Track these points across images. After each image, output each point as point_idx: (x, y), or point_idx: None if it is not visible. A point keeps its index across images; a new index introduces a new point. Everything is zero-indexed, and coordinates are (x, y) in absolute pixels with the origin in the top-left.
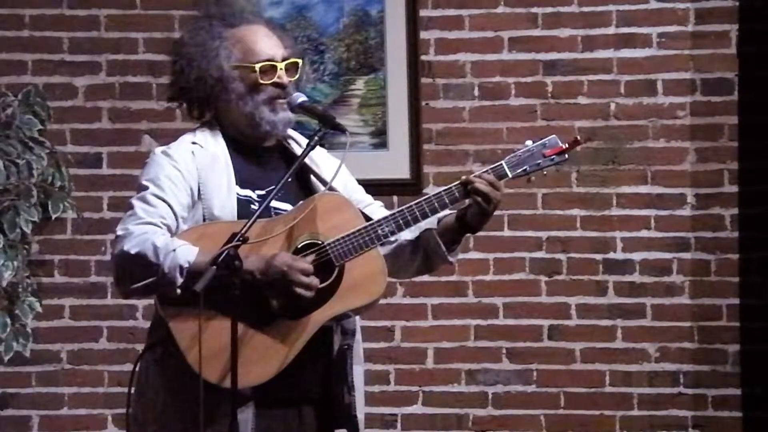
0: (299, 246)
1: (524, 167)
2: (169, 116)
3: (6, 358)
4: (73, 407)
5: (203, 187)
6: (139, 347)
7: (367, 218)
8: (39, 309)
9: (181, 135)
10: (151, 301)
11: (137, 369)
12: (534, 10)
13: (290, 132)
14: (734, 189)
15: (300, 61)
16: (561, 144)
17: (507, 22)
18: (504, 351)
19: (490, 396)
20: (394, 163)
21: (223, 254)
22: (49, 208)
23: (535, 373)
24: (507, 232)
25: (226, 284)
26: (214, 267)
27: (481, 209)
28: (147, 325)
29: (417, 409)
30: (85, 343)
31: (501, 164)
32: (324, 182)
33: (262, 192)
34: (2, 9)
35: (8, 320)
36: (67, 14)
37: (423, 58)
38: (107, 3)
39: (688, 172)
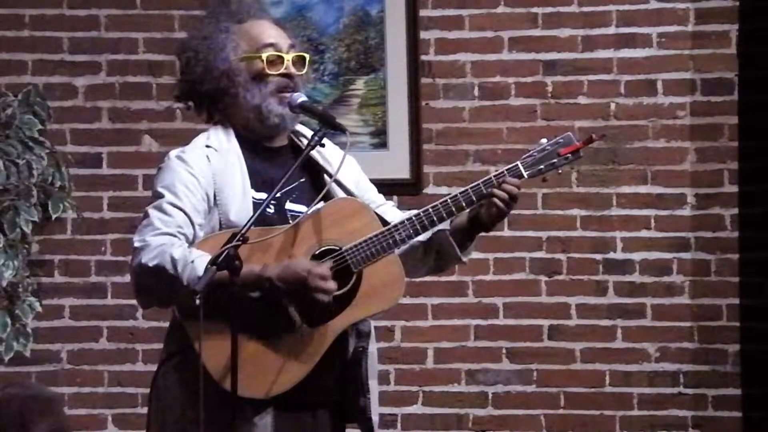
0: (317, 252)
1: (539, 167)
2: (169, 116)
3: (6, 358)
4: (73, 407)
5: (219, 193)
6: (139, 347)
7: (382, 221)
8: (39, 309)
9: (181, 135)
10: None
11: (156, 377)
12: (534, 10)
13: (299, 127)
14: (734, 189)
15: (307, 55)
16: (576, 141)
17: (507, 22)
18: (504, 351)
19: (490, 396)
20: (394, 163)
21: (223, 254)
22: (49, 208)
23: (535, 373)
24: (507, 232)
25: (226, 285)
26: (214, 267)
27: (499, 211)
28: (147, 325)
29: (417, 409)
30: (85, 343)
31: (517, 165)
32: (339, 183)
33: (278, 194)
34: (2, 9)
35: (8, 320)
36: (67, 14)
37: (423, 58)
38: (107, 3)
39: (688, 172)
